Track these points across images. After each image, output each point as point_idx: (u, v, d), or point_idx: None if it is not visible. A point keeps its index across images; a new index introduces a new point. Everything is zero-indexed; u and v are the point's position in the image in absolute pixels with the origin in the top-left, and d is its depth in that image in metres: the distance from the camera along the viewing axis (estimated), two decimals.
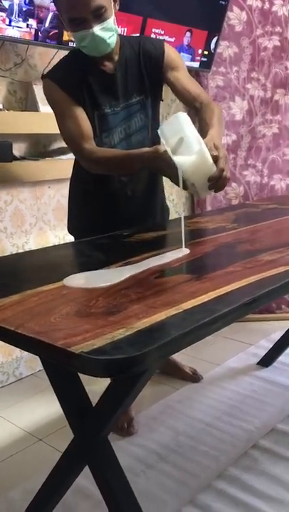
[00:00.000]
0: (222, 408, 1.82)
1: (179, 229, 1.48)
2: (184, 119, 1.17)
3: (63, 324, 0.74)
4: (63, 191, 2.13)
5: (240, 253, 1.17)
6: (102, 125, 1.52)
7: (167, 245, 1.27)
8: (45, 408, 1.88)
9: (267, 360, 2.15)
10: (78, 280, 0.96)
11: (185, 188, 1.19)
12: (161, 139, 1.19)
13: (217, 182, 1.18)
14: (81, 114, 1.46)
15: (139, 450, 1.58)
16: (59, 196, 2.16)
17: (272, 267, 1.02)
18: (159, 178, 1.70)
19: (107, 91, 1.50)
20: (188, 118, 1.18)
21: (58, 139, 2.10)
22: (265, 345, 2.26)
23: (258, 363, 2.16)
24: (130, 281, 0.96)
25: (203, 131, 1.35)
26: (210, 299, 0.83)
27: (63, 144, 2.08)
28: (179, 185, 1.17)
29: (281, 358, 2.15)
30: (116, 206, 1.61)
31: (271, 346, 2.15)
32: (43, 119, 1.93)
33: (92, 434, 1.00)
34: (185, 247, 1.18)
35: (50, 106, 1.52)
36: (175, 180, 1.19)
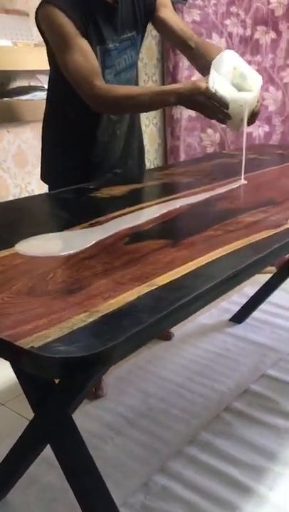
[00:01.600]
0: (194, 368, 1.76)
1: (153, 182, 1.35)
2: (234, 55, 1.23)
3: (12, 307, 0.62)
4: (24, 136, 1.93)
5: (219, 213, 1.05)
6: (106, 61, 1.36)
7: (139, 202, 1.14)
8: (6, 372, 1.77)
9: (240, 317, 2.08)
10: (34, 246, 0.83)
11: (223, 122, 1.25)
12: (211, 75, 1.20)
13: (255, 116, 1.24)
14: (88, 47, 1.29)
15: (108, 414, 1.51)
16: (19, 141, 1.97)
17: (256, 230, 0.91)
18: (138, 117, 1.58)
19: (110, 24, 1.34)
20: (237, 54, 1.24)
21: (17, 76, 1.88)
22: (238, 300, 2.19)
23: (230, 319, 2.09)
24: (96, 248, 0.83)
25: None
26: (188, 272, 0.71)
27: (23, 83, 1.87)
28: (223, 122, 1.24)
29: (254, 314, 2.09)
30: (103, 147, 1.46)
31: (244, 302, 2.08)
32: None
33: (52, 415, 0.90)
34: (155, 205, 1.05)
35: (51, 36, 1.30)
36: (213, 115, 1.23)
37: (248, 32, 2.47)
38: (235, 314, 2.08)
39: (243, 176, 1.26)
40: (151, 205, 1.11)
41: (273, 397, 1.59)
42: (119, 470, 1.30)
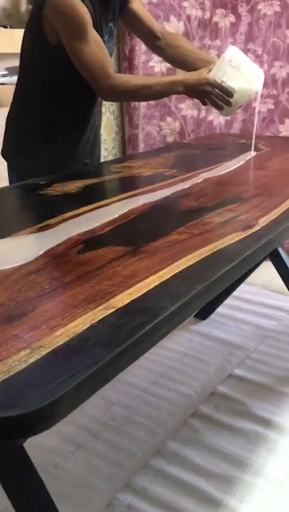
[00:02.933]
0: (158, 370, 1.67)
1: (110, 176, 1.24)
2: (237, 50, 1.34)
3: None
4: None
5: (183, 212, 0.95)
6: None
7: (95, 200, 1.03)
8: None
9: (204, 313, 2.01)
10: None
11: (220, 108, 1.32)
12: (218, 66, 1.31)
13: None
14: (100, 39, 1.26)
15: (68, 427, 1.41)
16: None
17: (224, 233, 0.82)
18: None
19: (104, 15, 1.30)
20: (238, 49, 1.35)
21: None
22: None
23: (195, 316, 2.02)
24: (44, 258, 0.72)
25: (200, 58, 1.43)
26: (151, 289, 0.62)
27: None
28: (219, 108, 1.33)
29: (219, 309, 2.02)
30: (78, 136, 1.40)
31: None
32: None
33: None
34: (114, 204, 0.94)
35: (66, 21, 1.20)
36: (214, 103, 1.31)
37: (207, 15, 2.37)
38: (199, 310, 2.01)
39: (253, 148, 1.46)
40: (108, 204, 1.00)
41: (241, 399, 1.52)
42: (82, 489, 1.21)
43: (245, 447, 1.34)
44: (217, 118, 2.50)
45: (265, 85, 2.45)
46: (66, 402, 0.43)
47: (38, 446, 1.34)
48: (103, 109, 2.41)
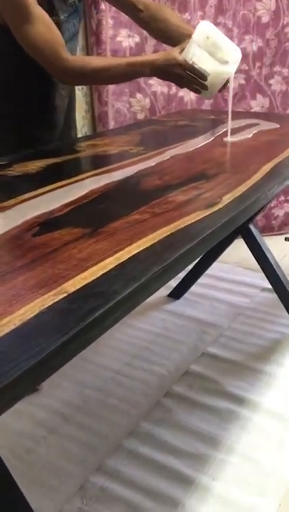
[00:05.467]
0: (132, 351, 1.66)
1: (73, 155, 1.21)
2: (210, 26, 1.22)
3: None
4: None
5: (146, 191, 0.92)
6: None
7: (55, 180, 0.99)
8: None
9: (178, 292, 2.00)
10: None
11: (196, 91, 1.25)
12: (190, 47, 1.19)
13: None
14: (47, 16, 1.14)
15: (41, 411, 1.39)
16: None
17: (186, 211, 0.79)
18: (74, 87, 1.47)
19: None
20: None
21: None
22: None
23: (168, 295, 2.01)
24: None
25: (182, 32, 1.30)
26: (106, 272, 0.59)
27: None
28: (197, 92, 1.25)
29: (193, 288, 2.01)
30: (46, 119, 1.34)
31: (182, 276, 2.00)
32: None
33: None
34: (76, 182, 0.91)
35: (7, 4, 1.11)
36: (189, 86, 1.23)
37: None
38: (173, 289, 2.00)
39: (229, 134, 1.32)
40: (69, 184, 0.97)
41: (214, 377, 1.53)
42: (54, 474, 1.20)
43: (219, 425, 1.34)
44: (188, 94, 2.45)
45: None
46: (5, 394, 0.41)
47: (9, 431, 1.32)
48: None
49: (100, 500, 1.13)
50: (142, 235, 0.70)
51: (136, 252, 0.64)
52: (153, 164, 1.11)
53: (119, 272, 0.59)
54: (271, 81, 2.47)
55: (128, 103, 2.40)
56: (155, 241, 0.68)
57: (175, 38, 1.31)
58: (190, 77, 1.20)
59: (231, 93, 1.33)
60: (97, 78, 1.27)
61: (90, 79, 1.28)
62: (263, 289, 2.02)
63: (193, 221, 0.75)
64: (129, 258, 0.63)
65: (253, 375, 1.54)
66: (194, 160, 1.14)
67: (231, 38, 2.39)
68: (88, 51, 2.31)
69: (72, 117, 1.47)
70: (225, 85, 1.28)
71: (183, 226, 0.73)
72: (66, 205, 0.84)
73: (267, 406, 1.40)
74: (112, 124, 2.40)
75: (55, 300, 0.53)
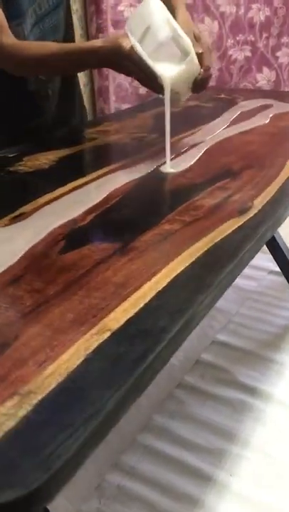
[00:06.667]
0: None
1: (85, 145, 1.15)
2: (155, 3, 0.92)
3: None
4: None
5: (171, 192, 0.88)
6: (11, 9, 1.05)
7: (71, 177, 0.94)
8: None
9: None
10: None
11: (158, 91, 0.98)
12: (130, 36, 0.91)
13: (203, 82, 0.98)
14: None
15: None
16: None
17: (218, 220, 0.75)
18: None
19: None
20: (161, 3, 0.93)
21: None
22: None
23: None
24: (23, 262, 0.64)
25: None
26: (147, 302, 0.55)
27: None
28: (164, 99, 0.95)
29: None
30: (33, 109, 1.22)
31: None
32: None
33: None
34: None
35: None
36: (146, 82, 0.97)
37: None
38: None
39: (168, 163, 0.96)
40: (87, 183, 0.91)
41: (225, 367, 1.51)
42: None
43: (232, 417, 1.33)
44: None
45: (242, 30, 2.31)
46: (66, 470, 0.37)
47: None
48: None
49: (118, 499, 1.12)
50: (176, 251, 0.65)
51: (174, 275, 0.60)
52: (172, 156, 1.05)
53: (161, 302, 0.55)
54: (278, 53, 2.38)
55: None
56: (192, 260, 0.63)
57: None
58: (139, 73, 0.94)
59: (168, 116, 0.95)
60: (33, 68, 1.07)
61: (25, 68, 1.06)
62: (270, 272, 1.99)
63: (228, 232, 0.71)
64: (169, 283, 0.58)
65: (263, 364, 1.52)
66: (214, 152, 1.08)
67: (237, 6, 2.28)
68: (87, 22, 2.19)
69: (72, 105, 1.34)
70: (202, 85, 0.98)
71: (219, 239, 0.69)
72: (89, 212, 0.79)
73: (279, 397, 1.39)
74: (112, 99, 2.31)
75: (100, 341, 0.49)
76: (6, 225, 0.75)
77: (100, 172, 0.97)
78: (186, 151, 1.08)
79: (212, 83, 2.40)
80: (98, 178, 0.94)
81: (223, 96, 1.69)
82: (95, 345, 0.48)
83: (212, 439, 1.27)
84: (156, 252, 0.66)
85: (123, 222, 0.77)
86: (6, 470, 0.36)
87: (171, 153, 1.00)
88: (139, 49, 0.89)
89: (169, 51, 0.92)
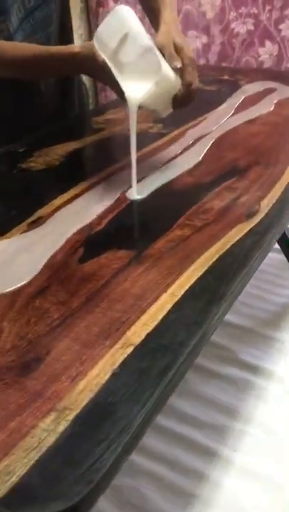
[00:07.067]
0: None
1: (93, 136, 1.16)
2: (127, 14, 0.82)
3: None
4: None
5: (181, 194, 0.91)
6: None
7: (82, 175, 0.97)
8: None
9: None
10: None
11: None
12: (98, 50, 0.84)
13: (184, 99, 0.89)
14: None
15: None
16: None
17: (227, 225, 0.78)
18: None
19: None
20: (133, 12, 0.83)
21: None
22: None
23: None
24: (45, 273, 0.68)
25: (153, 19, 1.00)
26: (165, 315, 0.59)
27: None
28: (130, 122, 0.88)
29: None
30: (25, 104, 1.18)
31: None
32: None
33: None
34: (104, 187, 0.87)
35: None
36: (120, 96, 0.87)
37: None
38: None
39: (135, 190, 0.88)
40: (98, 183, 0.94)
41: (228, 345, 1.58)
42: None
43: (235, 395, 1.41)
44: (194, 41, 2.34)
45: (245, 3, 2.28)
46: (104, 482, 0.42)
47: None
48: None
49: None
50: (189, 259, 0.70)
51: (188, 285, 0.64)
52: (179, 151, 1.08)
53: (177, 315, 0.59)
54: (281, 26, 2.34)
55: None
56: (205, 269, 0.68)
57: (151, 21, 1.03)
58: (113, 85, 0.86)
59: (134, 140, 0.89)
60: (9, 71, 0.99)
61: (2, 70, 0.99)
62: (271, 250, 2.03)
63: (237, 239, 0.75)
64: (184, 295, 0.63)
65: (265, 342, 1.59)
66: (220, 145, 1.11)
67: None
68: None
69: (70, 95, 1.29)
70: (182, 101, 0.90)
71: (229, 246, 0.73)
72: (103, 215, 0.82)
73: (280, 375, 1.46)
74: None
75: (125, 355, 0.53)
76: (24, 231, 0.78)
77: (109, 169, 1.00)
78: (192, 145, 1.10)
79: (214, 57, 2.38)
80: (107, 177, 0.97)
81: (225, 77, 1.69)
82: (120, 359, 0.53)
83: (216, 416, 1.34)
84: (170, 261, 0.70)
85: (135, 227, 0.80)
86: (51, 483, 0.41)
87: (176, 149, 1.02)
88: (109, 65, 0.82)
89: (152, 59, 0.81)
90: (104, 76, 0.86)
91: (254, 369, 1.48)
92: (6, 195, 0.92)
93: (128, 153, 0.90)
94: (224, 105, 1.37)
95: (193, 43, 2.32)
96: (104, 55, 0.83)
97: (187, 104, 0.91)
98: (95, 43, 0.84)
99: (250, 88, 1.53)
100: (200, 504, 1.13)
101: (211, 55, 2.37)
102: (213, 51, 2.35)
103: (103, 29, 0.83)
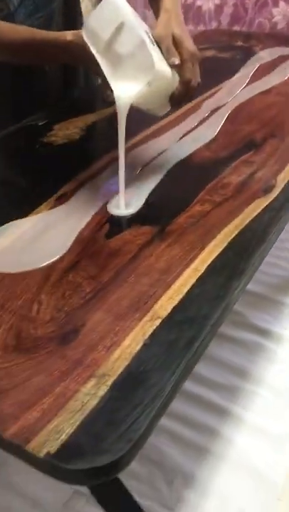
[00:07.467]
0: None
1: (109, 109, 1.17)
2: (121, 1, 0.73)
3: (4, 375, 0.53)
4: None
5: (199, 168, 0.93)
6: None
7: (102, 149, 1.00)
8: None
9: None
10: (2, 256, 0.71)
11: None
12: (89, 43, 0.75)
13: (181, 98, 0.82)
14: None
15: None
16: None
17: (245, 200, 0.82)
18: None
19: None
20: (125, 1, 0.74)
21: None
22: None
23: None
24: (75, 248, 0.72)
25: (154, 5, 0.93)
26: (189, 289, 0.64)
27: None
28: (118, 124, 0.81)
29: None
30: (30, 84, 1.16)
31: None
32: None
33: None
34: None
35: None
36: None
37: None
38: None
39: (123, 202, 0.80)
40: (116, 159, 0.97)
41: (240, 310, 1.63)
42: None
43: (246, 357, 1.47)
44: (206, 3, 2.29)
45: None
46: (141, 441, 0.48)
47: None
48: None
49: None
50: (210, 235, 0.74)
51: (210, 260, 0.69)
52: (195, 124, 1.10)
53: (201, 289, 0.64)
54: None
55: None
56: (225, 244, 0.72)
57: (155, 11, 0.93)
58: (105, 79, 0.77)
59: (122, 145, 0.81)
60: (4, 54, 0.95)
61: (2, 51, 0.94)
62: None
63: (255, 214, 0.78)
64: (207, 270, 0.67)
65: (276, 308, 1.64)
66: (236, 117, 1.12)
67: None
68: None
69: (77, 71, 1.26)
70: (187, 99, 0.86)
71: (247, 222, 0.76)
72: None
73: None
74: None
75: (154, 327, 0.58)
76: (51, 207, 0.82)
77: (128, 144, 1.02)
78: (208, 118, 1.12)
79: (226, 19, 2.34)
80: (128, 151, 0.99)
81: (239, 43, 1.68)
82: (150, 331, 0.58)
83: (229, 378, 1.41)
84: (192, 236, 0.74)
85: (158, 202, 0.84)
86: (96, 441, 0.47)
87: (192, 122, 1.04)
88: (99, 60, 0.75)
89: (145, 55, 0.73)
90: (97, 69, 0.76)
91: (265, 333, 1.54)
92: (30, 170, 0.96)
93: (150, 124, 0.91)
94: (239, 74, 1.38)
95: (206, 4, 2.28)
96: (94, 49, 0.75)
97: (186, 102, 0.86)
98: (85, 35, 0.75)
99: (265, 55, 1.52)
100: (213, 459, 1.21)
101: (224, 17, 2.33)
102: (225, 13, 2.30)
103: (94, 18, 0.74)
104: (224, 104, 1.18)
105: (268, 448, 1.23)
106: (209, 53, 1.58)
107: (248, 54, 1.54)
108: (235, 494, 1.14)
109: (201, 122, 1.11)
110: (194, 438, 1.25)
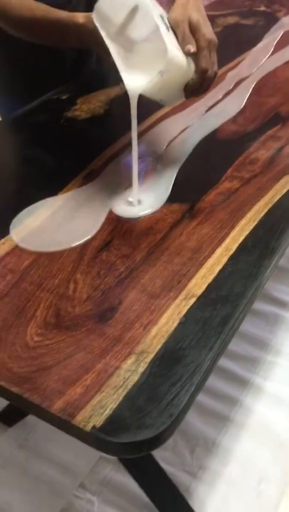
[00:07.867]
0: None
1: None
2: None
3: (47, 351, 0.55)
4: None
5: (226, 143, 0.93)
6: None
7: (126, 125, 0.99)
8: None
9: None
10: (35, 234, 0.72)
11: None
12: (100, 28, 0.71)
13: (197, 89, 0.76)
14: None
15: None
16: None
17: (273, 176, 0.82)
18: None
19: None
20: None
21: None
22: None
23: None
24: (107, 227, 0.74)
25: None
26: (222, 268, 0.65)
27: None
28: (131, 114, 0.76)
29: None
30: (49, 58, 1.12)
31: None
32: None
33: None
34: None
35: None
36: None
37: None
38: None
39: (135, 197, 0.77)
40: (144, 133, 0.97)
41: None
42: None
43: (265, 329, 1.49)
44: None
45: None
46: (181, 416, 0.50)
47: None
48: None
49: None
50: (240, 213, 0.74)
51: (241, 239, 0.69)
52: (220, 97, 1.09)
53: (233, 268, 0.65)
54: None
55: None
56: (256, 222, 0.72)
57: None
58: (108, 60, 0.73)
59: (135, 137, 0.77)
60: (17, 29, 0.89)
61: (10, 27, 0.89)
62: None
63: (284, 191, 0.78)
64: (238, 248, 0.68)
65: None
66: (261, 89, 1.11)
67: None
68: None
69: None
70: (204, 90, 0.79)
71: (277, 199, 0.77)
72: (153, 166, 0.86)
73: None
74: None
75: (188, 306, 0.60)
76: (80, 184, 0.83)
77: (151, 119, 1.01)
78: (232, 90, 1.11)
79: None
80: (150, 128, 0.99)
81: (262, 8, 1.63)
82: (185, 310, 0.60)
83: (249, 349, 1.43)
84: (222, 214, 0.74)
85: (186, 179, 0.84)
86: (139, 416, 0.49)
87: (217, 95, 1.03)
88: (109, 47, 0.70)
89: (157, 43, 0.67)
90: (107, 56, 0.72)
91: (284, 304, 1.56)
92: (57, 146, 0.96)
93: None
94: (263, 43, 1.35)
95: None
96: (104, 33, 0.70)
97: (201, 93, 0.78)
98: (95, 18, 0.71)
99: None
100: (234, 427, 1.24)
101: None
102: None
103: (106, 0, 0.69)
104: (249, 76, 1.17)
105: (287, 416, 1.26)
106: (231, 20, 1.54)
107: (271, 20, 1.50)
108: (255, 460, 1.18)
109: (226, 95, 1.09)
110: (216, 407, 1.29)
